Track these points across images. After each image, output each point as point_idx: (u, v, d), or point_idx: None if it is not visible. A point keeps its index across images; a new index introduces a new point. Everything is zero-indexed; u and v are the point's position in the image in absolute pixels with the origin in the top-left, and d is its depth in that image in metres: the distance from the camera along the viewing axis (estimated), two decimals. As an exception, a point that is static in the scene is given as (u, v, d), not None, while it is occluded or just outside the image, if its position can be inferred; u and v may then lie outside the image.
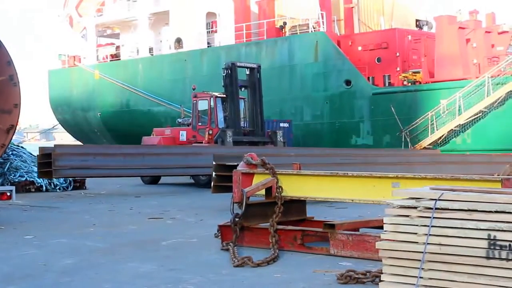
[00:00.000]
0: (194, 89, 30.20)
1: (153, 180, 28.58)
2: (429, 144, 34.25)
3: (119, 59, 49.65)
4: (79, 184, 25.00)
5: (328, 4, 39.79)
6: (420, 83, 36.20)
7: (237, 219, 10.81)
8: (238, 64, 29.02)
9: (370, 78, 37.85)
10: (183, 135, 29.89)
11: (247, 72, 29.35)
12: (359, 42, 39.16)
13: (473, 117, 33.55)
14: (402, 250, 6.80)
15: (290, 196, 11.30)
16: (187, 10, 44.98)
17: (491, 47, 37.76)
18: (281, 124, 34.78)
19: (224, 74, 28.43)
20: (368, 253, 9.77)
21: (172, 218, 15.20)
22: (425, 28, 44.37)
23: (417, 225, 6.75)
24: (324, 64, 38.38)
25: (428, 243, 6.63)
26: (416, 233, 6.74)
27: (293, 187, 11.38)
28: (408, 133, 34.79)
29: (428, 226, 6.66)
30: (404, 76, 36.52)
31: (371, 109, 36.92)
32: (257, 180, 11.53)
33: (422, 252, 6.65)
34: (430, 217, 6.67)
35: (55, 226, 14.01)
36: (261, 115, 29.21)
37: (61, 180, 24.62)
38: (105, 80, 48.30)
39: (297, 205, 11.75)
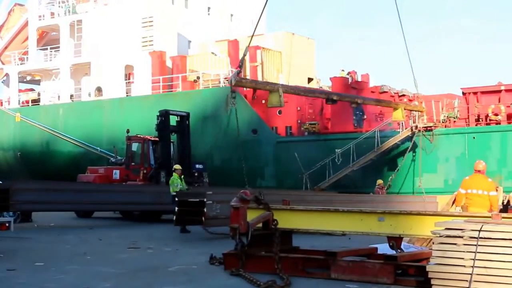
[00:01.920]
0: (128, 132, 29.95)
1: (87, 214, 28.11)
2: (326, 187, 35.10)
3: (39, 104, 48.42)
4: (25, 218, 24.18)
5: (236, 62, 40.41)
6: (318, 133, 37.19)
7: (243, 248, 10.98)
8: (171, 112, 29.10)
9: (274, 128, 38.59)
10: (116, 174, 29.53)
11: (177, 119, 29.44)
12: (263, 96, 39.87)
13: (363, 164, 34.68)
14: (450, 272, 7.24)
15: (284, 228, 11.59)
16: (107, 62, 44.65)
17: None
18: (197, 166, 34.82)
19: (158, 120, 28.40)
20: (368, 277, 10.15)
21: (149, 248, 15.08)
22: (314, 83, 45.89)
23: (463, 251, 7.21)
24: (232, 115, 38.72)
25: (474, 266, 7.11)
26: (463, 258, 7.21)
27: (286, 220, 11.67)
28: (308, 177, 35.52)
29: (474, 252, 7.14)
30: (305, 128, 37.47)
31: (275, 155, 37.58)
32: (251, 214, 11.73)
33: (470, 274, 7.11)
34: (475, 245, 7.16)
35: (50, 254, 13.67)
36: (189, 157, 29.32)
37: (10, 213, 23.77)
38: (26, 122, 46.94)
39: (285, 236, 12.03)
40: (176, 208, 17.89)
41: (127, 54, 44.66)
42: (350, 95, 22.48)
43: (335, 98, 22.07)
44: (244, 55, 17.66)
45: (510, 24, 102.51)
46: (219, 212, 17.36)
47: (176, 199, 18.68)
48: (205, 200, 17.24)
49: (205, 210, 17.06)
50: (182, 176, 23.27)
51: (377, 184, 31.91)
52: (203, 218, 17.01)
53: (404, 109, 26.74)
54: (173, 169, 23.69)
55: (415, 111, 27.30)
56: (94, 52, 45.19)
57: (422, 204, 29.40)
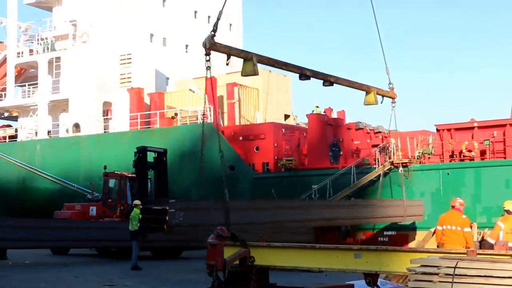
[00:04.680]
0: (105, 169, 29.68)
1: (63, 251, 27.76)
2: (303, 222, 34.94)
3: (16, 140, 48.01)
4: (-1, 255, 23.81)
5: (214, 99, 40.44)
6: (295, 170, 37.16)
7: (220, 285, 10.81)
8: (148, 148, 28.93)
9: (251, 164, 38.52)
10: (93, 210, 29.23)
11: (155, 156, 29.27)
12: (241, 133, 39.94)
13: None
14: (427, 309, 7.15)
15: (261, 265, 11.43)
16: (85, 98, 44.50)
17: (352, 141, 39.66)
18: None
19: (135, 157, 28.18)
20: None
21: (125, 286, 14.84)
22: (291, 120, 46.05)
23: (439, 289, 7.13)
24: (210, 151, 38.61)
25: (451, 304, 7.02)
26: (439, 295, 7.12)
27: (263, 257, 11.53)
28: (285, 213, 35.36)
29: (450, 289, 7.06)
30: (281, 164, 37.43)
31: (252, 191, 37.42)
32: (228, 251, 11.57)
33: (447, 311, 7.02)
34: (451, 282, 7.09)
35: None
36: (166, 194, 29.08)
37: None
38: (3, 159, 46.44)
39: (262, 273, 11.86)
40: (140, 216, 17.88)
41: (105, 91, 44.60)
42: (323, 73, 22.22)
43: (308, 73, 21.65)
44: (218, 19, 17.18)
45: (482, 62, 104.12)
46: (182, 220, 17.29)
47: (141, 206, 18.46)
48: (167, 208, 17.18)
49: (167, 218, 16.98)
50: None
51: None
52: (165, 226, 16.97)
53: (377, 93, 26.46)
54: (133, 204, 22.78)
55: (387, 96, 26.92)
56: (72, 89, 45.04)
57: (403, 208, 30.06)
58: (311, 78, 21.77)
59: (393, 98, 27.42)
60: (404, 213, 30.12)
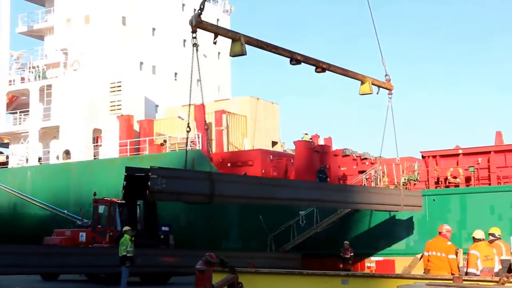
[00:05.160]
0: (95, 195, 29.56)
1: (53, 276, 27.57)
2: (291, 248, 34.86)
3: (7, 167, 47.80)
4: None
5: (202, 126, 40.52)
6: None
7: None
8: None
9: (240, 190, 38.36)
10: (82, 236, 29.07)
11: (144, 182, 29.11)
12: (229, 160, 39.93)
13: (327, 226, 34.59)
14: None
15: (249, 291, 11.41)
16: (75, 125, 44.45)
17: (338, 167, 39.76)
18: (163, 228, 34.41)
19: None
20: None
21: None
22: (278, 147, 46.11)
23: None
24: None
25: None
26: (425, 321, 7.11)
27: (251, 283, 11.51)
28: (273, 238, 35.30)
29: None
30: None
31: (240, 217, 37.33)
32: (216, 277, 11.55)
33: (433, 337, 7.01)
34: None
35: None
36: (155, 220, 28.96)
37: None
38: (-7, 185, 46.18)
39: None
40: (124, 183, 17.88)
41: (95, 118, 44.61)
42: (315, 58, 21.98)
43: (299, 58, 21.46)
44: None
45: (466, 90, 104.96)
46: (165, 187, 17.18)
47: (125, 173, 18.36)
48: (149, 174, 17.15)
49: (149, 183, 16.95)
50: (132, 238, 22.91)
51: (344, 245, 32.01)
52: (147, 192, 16.96)
53: (372, 84, 26.29)
54: (123, 230, 23.16)
55: (384, 87, 26.74)
56: (63, 116, 45.02)
57: (400, 197, 28.18)
58: (302, 63, 21.61)
59: (389, 90, 27.39)
60: (401, 202, 28.34)
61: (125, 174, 18.09)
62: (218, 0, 55.51)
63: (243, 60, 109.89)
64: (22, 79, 48.42)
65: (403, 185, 34.56)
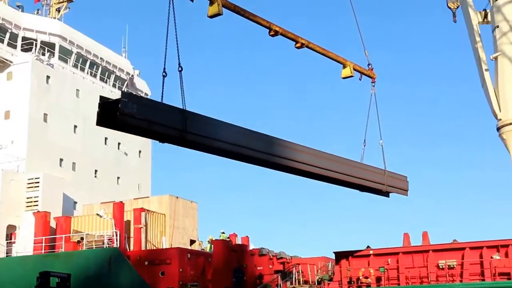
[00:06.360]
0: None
1: None
2: None
3: None
4: None
5: (121, 223, 39.93)
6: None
7: None
8: (51, 273, 28.00)
9: (156, 289, 37.63)
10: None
11: (58, 280, 28.27)
12: (146, 258, 39.18)
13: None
14: None
15: None
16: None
17: (255, 267, 39.59)
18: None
19: (37, 282, 27.16)
20: None
21: None
22: (196, 245, 45.68)
23: None
24: (115, 276, 37.68)
25: None
26: None
27: None
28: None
29: None
30: (186, 289, 36.83)
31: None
32: None
33: None
34: None
35: None
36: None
37: None
38: None
39: None
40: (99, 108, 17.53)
41: (9, 214, 43.29)
42: (294, 33, 22.13)
43: (277, 29, 21.27)
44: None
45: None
46: (136, 111, 17.23)
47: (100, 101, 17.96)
48: (120, 97, 17.08)
49: (119, 105, 16.40)
50: None
51: None
52: (118, 113, 16.48)
53: (353, 69, 26.49)
54: None
55: (366, 75, 27.01)
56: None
57: (385, 177, 28.03)
58: (279, 36, 21.52)
59: (372, 78, 27.77)
60: (385, 182, 28.25)
61: (99, 102, 17.72)
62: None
63: (165, 158, 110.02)
64: None
65: (317, 284, 34.74)
